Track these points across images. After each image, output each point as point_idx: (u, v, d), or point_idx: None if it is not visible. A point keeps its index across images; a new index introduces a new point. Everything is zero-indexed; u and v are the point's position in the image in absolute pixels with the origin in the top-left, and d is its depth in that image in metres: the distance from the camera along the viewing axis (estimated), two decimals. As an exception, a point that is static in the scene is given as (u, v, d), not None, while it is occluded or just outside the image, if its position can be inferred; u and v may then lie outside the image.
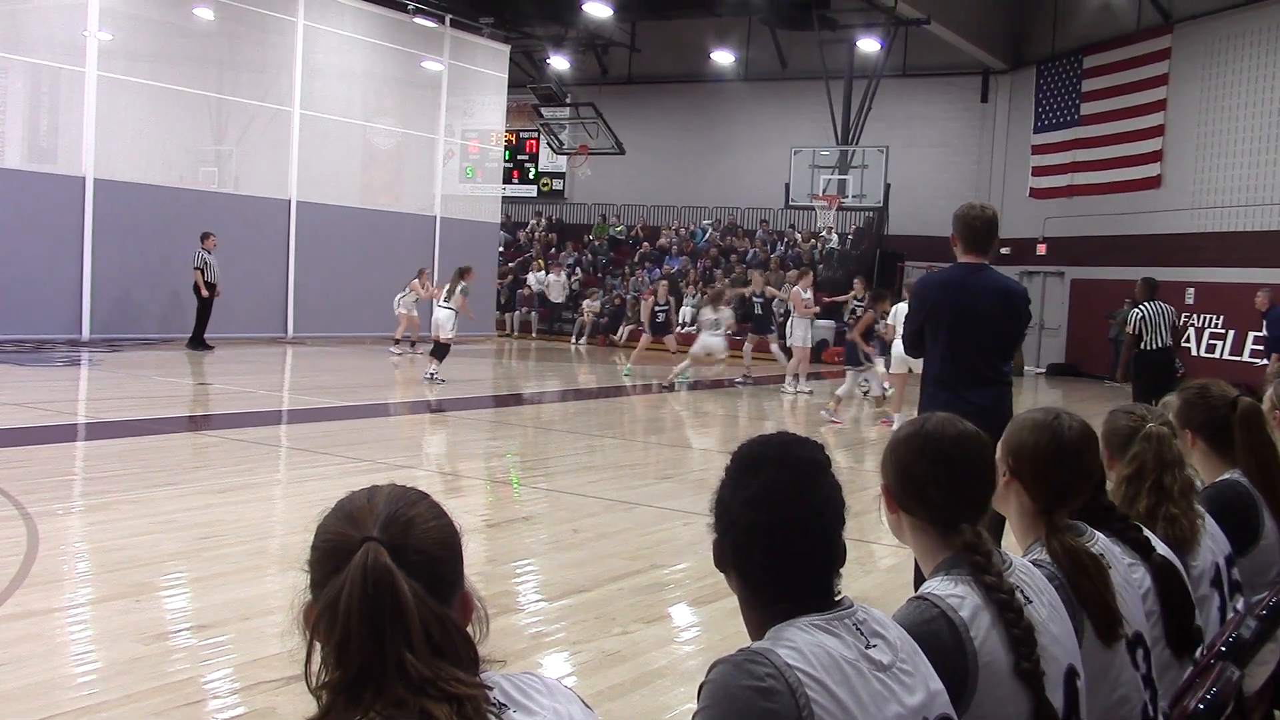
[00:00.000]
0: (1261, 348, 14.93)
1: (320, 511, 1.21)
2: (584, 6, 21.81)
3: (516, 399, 13.64)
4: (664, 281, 18.58)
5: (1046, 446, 2.09)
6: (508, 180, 27.08)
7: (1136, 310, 10.63)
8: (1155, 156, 20.96)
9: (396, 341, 17.42)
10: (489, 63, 22.44)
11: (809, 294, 14.77)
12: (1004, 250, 21.54)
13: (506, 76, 22.93)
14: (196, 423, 9.78)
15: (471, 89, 22.43)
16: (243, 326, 17.38)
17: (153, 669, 3.68)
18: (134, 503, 6.19)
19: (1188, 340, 19.73)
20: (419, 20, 20.40)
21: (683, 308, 23.11)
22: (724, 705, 1.35)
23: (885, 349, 11.99)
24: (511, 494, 7.61)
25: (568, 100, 24.93)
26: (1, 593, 4.34)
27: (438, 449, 9.43)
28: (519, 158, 29.35)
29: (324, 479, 7.17)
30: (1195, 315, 19.65)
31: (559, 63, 25.57)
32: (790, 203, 22.98)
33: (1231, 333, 18.77)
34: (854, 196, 22.09)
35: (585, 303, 24.07)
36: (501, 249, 25.51)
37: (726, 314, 14.76)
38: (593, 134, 24.49)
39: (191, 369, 13.89)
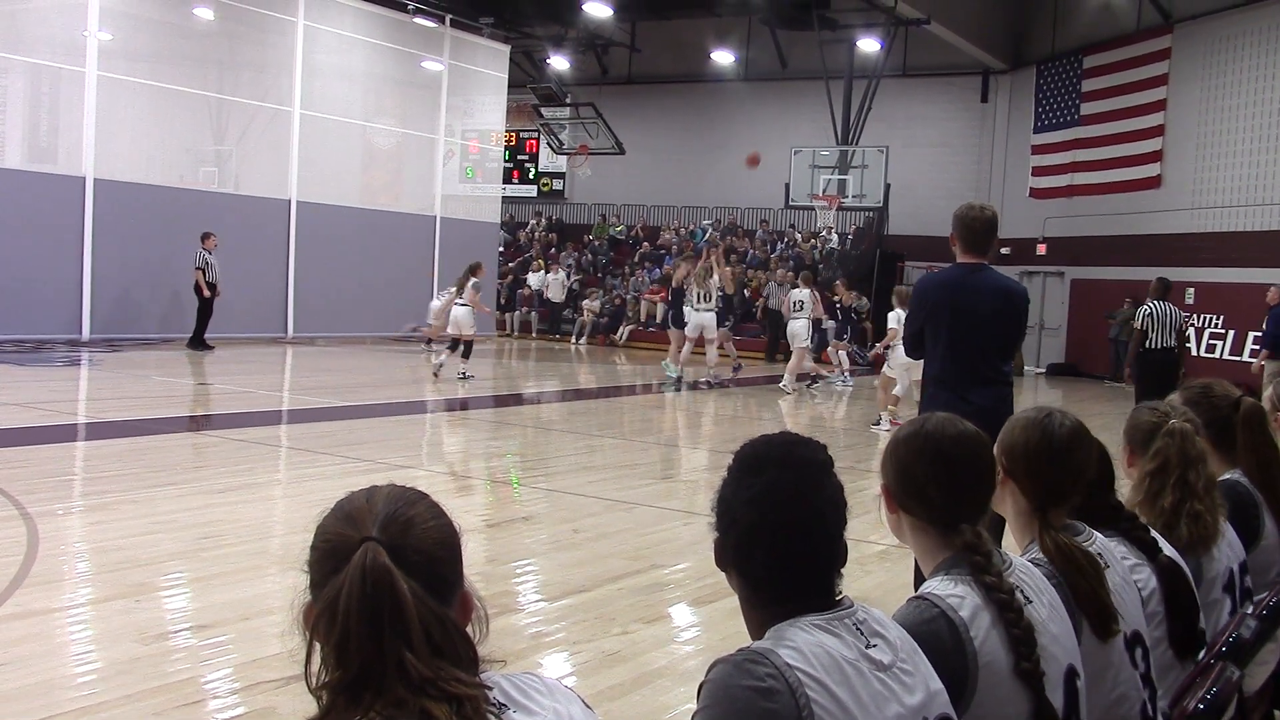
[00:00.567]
0: (1257, 346, 14.92)
1: (320, 512, 1.21)
2: (584, 6, 21.81)
3: (516, 399, 13.64)
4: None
5: (1037, 445, 2.09)
6: (508, 180, 27.08)
7: (1145, 307, 10.49)
8: (1155, 156, 20.96)
9: (428, 343, 16.86)
10: (489, 63, 22.44)
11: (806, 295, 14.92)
12: (1004, 250, 21.55)
13: (506, 76, 22.92)
14: (196, 423, 9.78)
15: (471, 89, 22.43)
16: (243, 326, 17.38)
17: (153, 669, 3.68)
18: (134, 503, 6.19)
19: (1188, 341, 19.74)
20: (419, 20, 20.40)
21: (684, 307, 23.11)
22: (724, 705, 1.35)
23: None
24: (511, 494, 7.61)
25: (568, 100, 24.93)
26: (1, 593, 4.34)
27: (438, 449, 9.43)
28: (519, 158, 29.35)
29: (324, 479, 7.18)
30: (1195, 315, 19.64)
31: (559, 63, 25.56)
32: (790, 203, 22.99)
33: (1231, 333, 18.77)
34: (854, 196, 22.09)
35: (585, 303, 24.08)
36: (501, 249, 25.51)
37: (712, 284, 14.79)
38: (593, 134, 24.49)
39: (191, 369, 13.89)
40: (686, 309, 14.78)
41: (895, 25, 21.42)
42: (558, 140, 25.68)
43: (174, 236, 15.92)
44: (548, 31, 24.42)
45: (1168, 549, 2.26)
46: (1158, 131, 20.92)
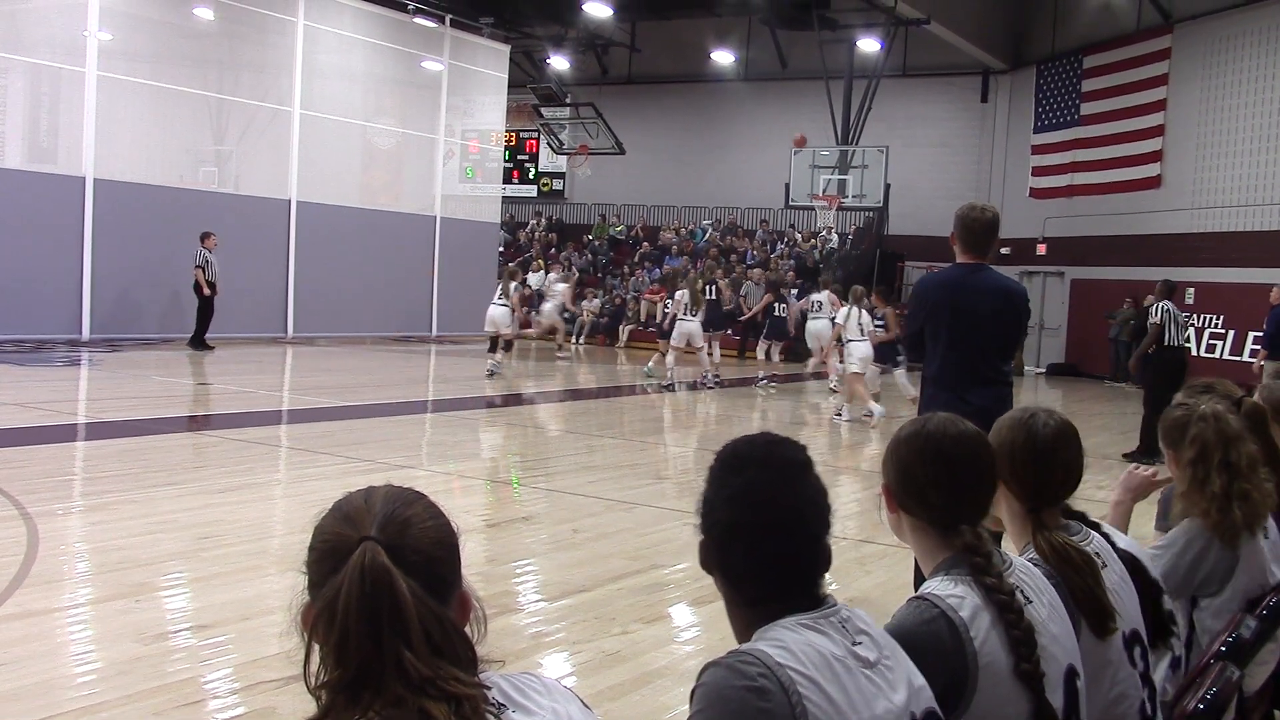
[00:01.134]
0: (1257, 346, 14.90)
1: (318, 512, 1.21)
2: (584, 6, 21.81)
3: (516, 399, 13.64)
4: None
5: (1023, 444, 2.08)
6: (508, 180, 27.08)
7: (1163, 304, 10.26)
8: (1155, 156, 20.96)
9: (504, 347, 15.57)
10: (489, 63, 22.44)
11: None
12: (1004, 250, 21.54)
13: (506, 76, 22.93)
14: (196, 423, 9.78)
15: (471, 89, 22.43)
16: (243, 326, 17.38)
17: (153, 669, 3.68)
18: (134, 503, 6.19)
19: (1188, 341, 19.74)
20: (419, 20, 20.41)
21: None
22: (718, 707, 1.35)
23: (776, 333, 12.64)
24: (511, 494, 7.61)
25: (568, 100, 24.93)
26: (1, 593, 4.34)
27: (438, 449, 9.42)
28: (519, 158, 29.35)
29: (324, 479, 7.17)
30: (1195, 315, 19.63)
31: (559, 63, 25.56)
32: (790, 203, 22.98)
33: (1231, 333, 18.77)
34: (854, 196, 22.09)
35: (585, 303, 24.07)
36: (501, 249, 25.51)
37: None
38: (593, 134, 24.49)
39: (191, 369, 13.89)
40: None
41: (895, 25, 21.42)
42: (558, 140, 25.68)
43: (174, 236, 15.92)
44: (548, 31, 24.42)
45: (1123, 541, 2.26)
46: (1158, 131, 20.92)
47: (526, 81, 25.01)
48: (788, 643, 1.40)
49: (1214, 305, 19.18)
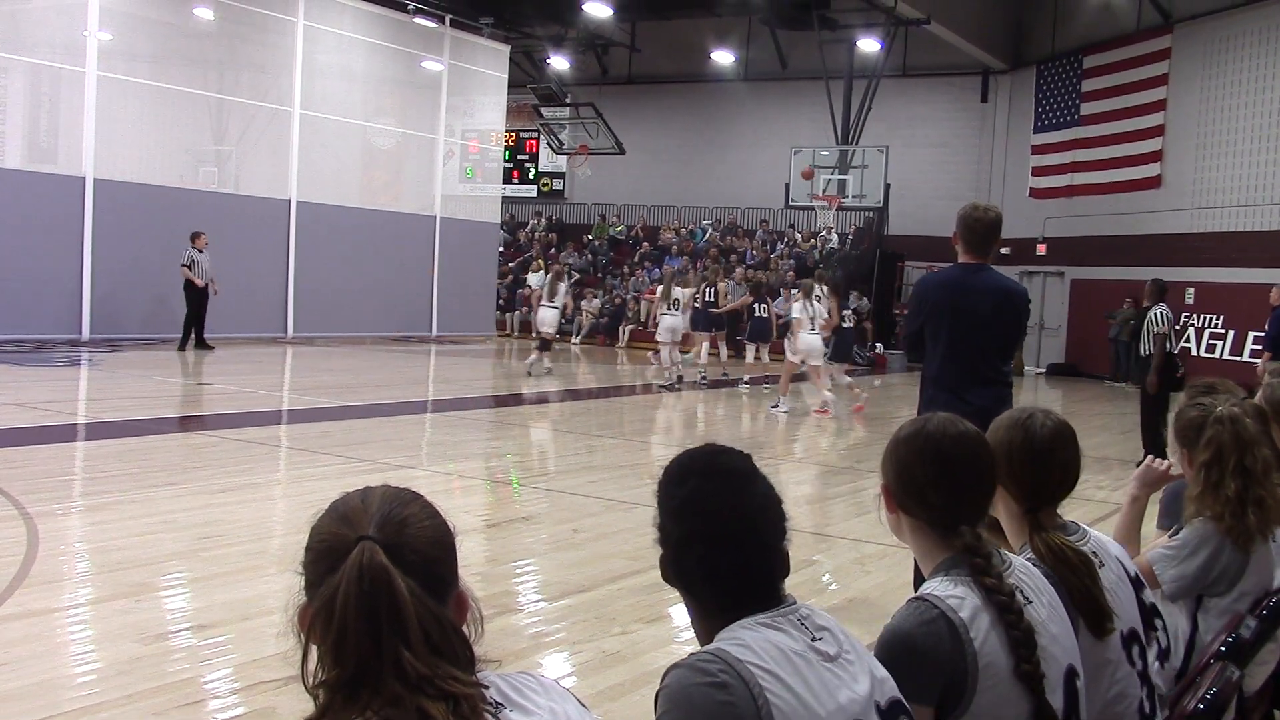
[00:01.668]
0: (1259, 347, 14.90)
1: (315, 513, 1.21)
2: (584, 6, 21.81)
3: (516, 399, 13.64)
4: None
5: (1020, 445, 2.08)
6: (508, 180, 27.08)
7: (1162, 309, 9.94)
8: (1155, 156, 20.96)
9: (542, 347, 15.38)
10: (489, 63, 22.44)
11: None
12: (1004, 250, 21.54)
13: (506, 76, 22.93)
14: (196, 423, 9.78)
15: (471, 89, 22.43)
16: (243, 326, 17.38)
17: (153, 669, 3.67)
18: (134, 503, 6.19)
19: (1188, 341, 19.75)
20: (419, 20, 20.41)
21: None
22: (683, 707, 1.37)
23: (759, 334, 13.83)
24: (511, 494, 7.61)
25: (568, 100, 24.93)
26: (1, 593, 4.34)
27: (438, 449, 9.42)
28: (519, 158, 29.36)
29: (324, 479, 7.17)
30: (1195, 315, 19.64)
31: (559, 63, 25.56)
32: (790, 203, 22.99)
33: (1231, 333, 18.77)
34: (854, 196, 22.09)
35: (585, 302, 24.07)
36: (501, 249, 25.51)
37: (684, 293, 15.46)
38: (593, 134, 24.49)
39: (191, 369, 13.89)
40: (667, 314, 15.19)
41: (895, 25, 21.42)
42: (558, 140, 25.68)
43: (174, 236, 15.90)
44: (548, 31, 24.41)
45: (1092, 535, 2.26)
46: (1157, 131, 20.92)
47: (526, 81, 25.00)
48: (747, 640, 1.42)
49: (1214, 305, 19.18)
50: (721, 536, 1.49)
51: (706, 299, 15.76)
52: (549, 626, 4.48)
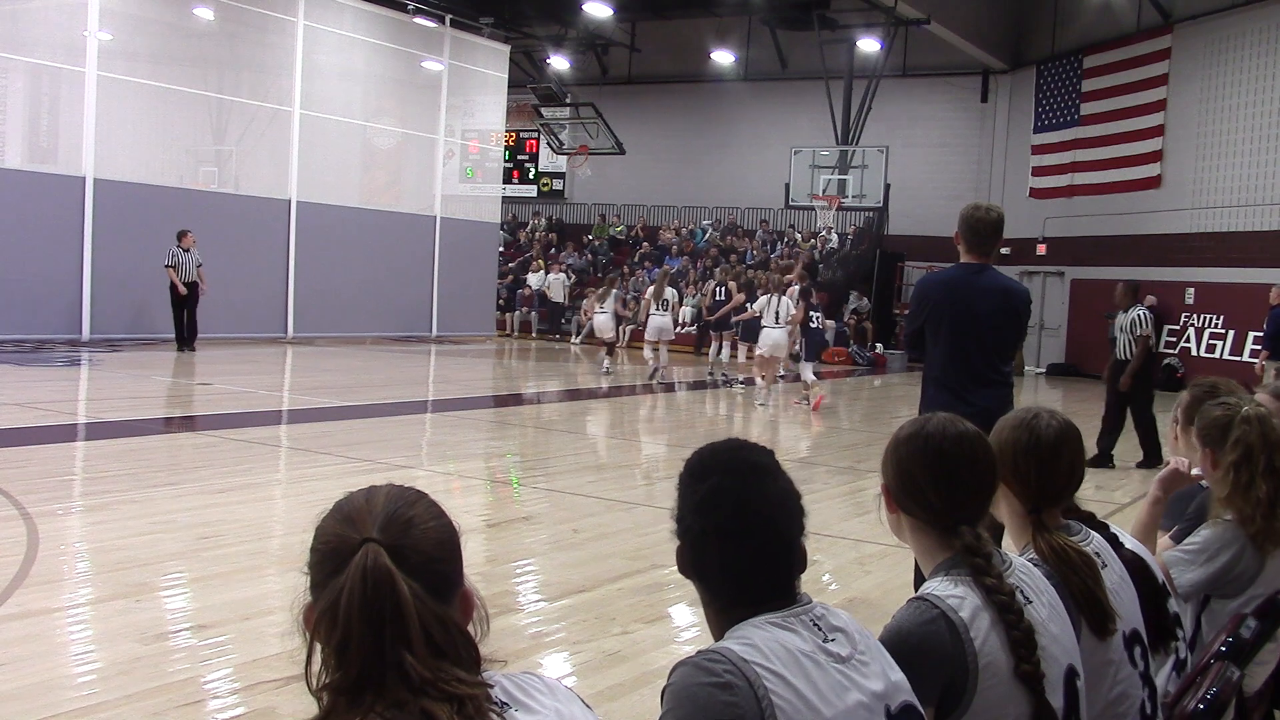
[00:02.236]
0: (1258, 346, 14.91)
1: (319, 512, 1.21)
2: (584, 6, 21.82)
3: (516, 399, 13.64)
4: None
5: (1026, 445, 2.08)
6: (508, 180, 27.09)
7: (1143, 312, 9.78)
8: (1155, 156, 20.96)
9: (608, 352, 16.64)
10: (489, 63, 22.44)
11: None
12: (1004, 250, 21.55)
13: (506, 76, 22.93)
14: (196, 423, 9.78)
15: (471, 89, 22.43)
16: (243, 326, 17.38)
17: (153, 669, 3.67)
18: (134, 503, 6.19)
19: (1188, 340, 19.76)
20: (419, 20, 20.41)
21: (684, 307, 23.12)
22: (686, 706, 1.37)
23: (749, 334, 14.15)
24: (511, 494, 7.61)
25: (568, 100, 24.94)
26: (1, 593, 4.34)
27: (438, 449, 9.42)
28: (519, 158, 29.36)
29: (324, 479, 7.17)
30: (1195, 315, 19.65)
31: (559, 63, 25.57)
32: (790, 203, 23.00)
33: (1231, 333, 18.77)
34: (854, 196, 22.11)
35: (585, 302, 24.06)
36: (501, 249, 25.52)
37: (673, 292, 16.23)
38: (593, 134, 24.49)
39: (191, 369, 13.89)
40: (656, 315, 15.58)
41: (895, 25, 21.42)
42: (558, 140, 25.68)
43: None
44: (548, 31, 24.43)
45: (1130, 543, 2.25)
46: (1157, 131, 20.93)
47: (526, 81, 25.01)
48: (754, 640, 1.42)
49: (1214, 305, 19.18)
50: (741, 532, 1.50)
51: (717, 299, 16.00)
52: (549, 626, 4.48)
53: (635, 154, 25.51)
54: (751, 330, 16.37)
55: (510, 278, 25.52)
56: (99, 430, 8.89)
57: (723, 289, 16.26)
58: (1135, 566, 2.20)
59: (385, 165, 22.61)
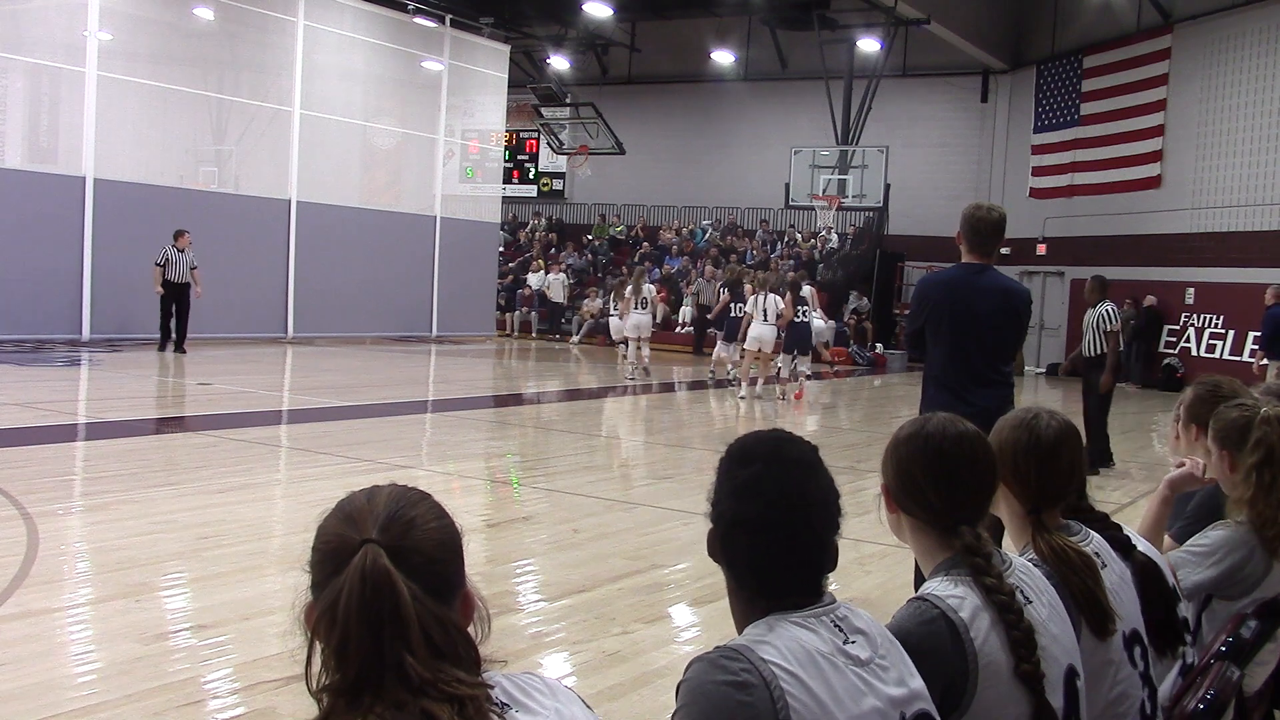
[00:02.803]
0: (1256, 347, 14.92)
1: (321, 512, 1.21)
2: (584, 6, 21.82)
3: (516, 399, 13.64)
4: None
5: (1026, 445, 2.08)
6: (508, 180, 27.08)
7: (1110, 307, 9.61)
8: (1155, 156, 20.97)
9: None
10: (489, 63, 22.44)
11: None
12: (1004, 250, 21.53)
13: (506, 76, 22.93)
14: (196, 423, 9.77)
15: (471, 89, 22.43)
16: (243, 326, 17.37)
17: (153, 669, 3.67)
18: (134, 503, 6.19)
19: (1188, 340, 19.76)
20: (419, 20, 20.41)
21: (683, 308, 23.14)
22: (701, 703, 1.38)
23: (732, 333, 14.62)
24: (511, 494, 7.61)
25: (568, 100, 24.93)
26: (1, 593, 4.34)
27: (438, 449, 9.42)
28: (519, 158, 29.35)
29: (324, 479, 7.17)
30: (1195, 315, 19.65)
31: (559, 63, 25.56)
32: (790, 203, 23.00)
33: (1231, 333, 18.77)
34: (854, 196, 22.10)
35: (585, 302, 24.07)
36: (501, 249, 25.52)
37: (650, 289, 16.73)
38: (593, 134, 24.49)
39: (191, 369, 13.89)
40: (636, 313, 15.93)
41: (895, 25, 21.42)
42: (558, 140, 25.68)
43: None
44: (548, 31, 24.42)
45: (1142, 545, 2.25)
46: (1157, 131, 20.93)
47: (526, 81, 25.01)
48: (773, 639, 1.42)
49: (1213, 305, 19.19)
50: (776, 524, 1.49)
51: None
52: (549, 626, 4.48)
53: (635, 154, 25.51)
54: (733, 330, 16.45)
55: (510, 278, 25.51)
56: (99, 430, 8.90)
57: (725, 289, 16.33)
58: (1148, 570, 2.20)
59: (385, 165, 22.60)
